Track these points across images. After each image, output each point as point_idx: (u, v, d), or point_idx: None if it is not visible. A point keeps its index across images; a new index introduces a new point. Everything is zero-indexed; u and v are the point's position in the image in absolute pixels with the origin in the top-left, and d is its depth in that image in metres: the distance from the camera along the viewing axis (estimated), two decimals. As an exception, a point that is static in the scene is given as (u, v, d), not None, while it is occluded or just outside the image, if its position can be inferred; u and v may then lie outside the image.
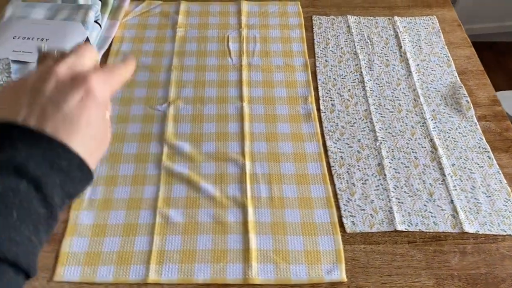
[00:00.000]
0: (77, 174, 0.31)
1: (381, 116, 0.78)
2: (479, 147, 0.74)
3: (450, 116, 0.78)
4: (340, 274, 0.59)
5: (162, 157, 0.71)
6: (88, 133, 0.32)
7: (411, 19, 0.96)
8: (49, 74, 0.32)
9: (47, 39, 0.79)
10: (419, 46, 0.90)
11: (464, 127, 0.77)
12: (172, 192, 0.68)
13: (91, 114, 0.32)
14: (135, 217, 0.65)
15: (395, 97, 0.81)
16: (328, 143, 0.74)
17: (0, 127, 0.30)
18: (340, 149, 0.73)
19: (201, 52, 0.89)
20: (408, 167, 0.71)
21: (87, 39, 0.82)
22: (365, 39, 0.92)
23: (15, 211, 0.27)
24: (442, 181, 0.69)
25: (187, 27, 0.94)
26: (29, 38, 0.79)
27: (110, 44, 0.89)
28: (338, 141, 0.74)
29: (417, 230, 0.64)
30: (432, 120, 0.77)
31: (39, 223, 0.29)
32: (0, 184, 0.27)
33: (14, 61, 0.75)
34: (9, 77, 0.71)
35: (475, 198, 0.67)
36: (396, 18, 0.96)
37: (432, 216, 0.65)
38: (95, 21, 0.86)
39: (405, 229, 0.64)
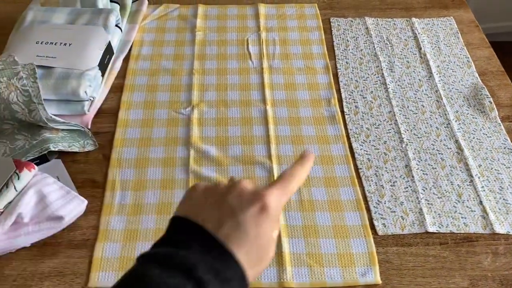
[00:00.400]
0: (236, 284, 0.32)
1: (405, 118, 0.78)
2: (504, 148, 0.74)
3: (473, 117, 0.78)
4: (375, 277, 0.59)
5: (189, 161, 0.71)
6: (255, 246, 0.34)
7: (428, 21, 0.97)
8: (235, 187, 0.36)
9: (70, 44, 0.78)
10: (438, 47, 0.91)
11: (488, 128, 0.77)
12: (202, 196, 0.67)
13: (262, 229, 0.34)
14: (166, 222, 0.64)
15: (418, 98, 0.81)
16: (354, 145, 0.74)
17: (183, 222, 0.34)
18: (366, 151, 0.73)
19: (221, 55, 0.89)
20: (435, 168, 0.71)
21: (109, 43, 0.82)
22: (384, 41, 0.92)
23: None
24: (470, 182, 0.69)
25: (206, 30, 0.94)
26: (52, 43, 0.79)
27: (130, 48, 0.89)
28: (364, 143, 0.74)
29: (448, 232, 0.64)
30: (456, 121, 0.78)
31: None
32: (170, 280, 0.29)
33: (39, 66, 0.74)
34: (35, 82, 0.70)
35: (504, 199, 0.67)
36: (414, 19, 0.96)
37: (462, 217, 0.65)
38: (116, 25, 0.86)
39: (436, 230, 0.64)
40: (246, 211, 0.34)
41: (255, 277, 0.35)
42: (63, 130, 0.73)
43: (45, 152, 0.69)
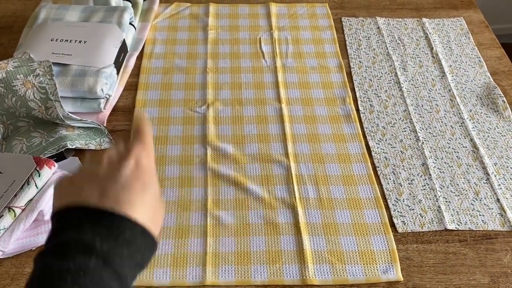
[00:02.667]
0: (142, 242, 0.32)
1: (420, 117, 0.78)
2: (519, 147, 0.74)
3: (487, 116, 0.79)
4: (396, 274, 0.60)
5: (207, 158, 0.71)
6: (145, 200, 0.34)
7: (439, 21, 0.97)
8: (100, 159, 0.36)
9: (85, 41, 0.78)
10: (450, 47, 0.91)
11: (502, 127, 0.77)
12: (220, 194, 0.67)
13: (144, 181, 0.35)
14: (187, 219, 0.64)
15: (432, 97, 0.82)
16: (371, 143, 0.74)
17: (65, 212, 0.32)
18: (383, 149, 0.74)
19: (234, 54, 0.89)
20: (452, 166, 0.72)
21: (124, 41, 0.81)
22: (396, 41, 0.92)
23: None
24: (486, 180, 0.70)
25: (218, 29, 0.94)
26: (66, 40, 0.78)
27: (143, 46, 0.89)
28: (380, 141, 0.75)
29: (467, 229, 0.65)
30: (470, 120, 0.78)
31: None
32: (71, 264, 0.29)
33: (54, 64, 0.74)
34: (51, 79, 0.70)
35: (521, 197, 0.68)
36: (424, 19, 0.97)
37: (480, 215, 0.66)
38: (130, 23, 0.86)
39: (455, 228, 0.65)
40: (123, 171, 0.34)
41: (158, 229, 0.35)
42: (79, 127, 0.72)
43: (62, 149, 0.68)
